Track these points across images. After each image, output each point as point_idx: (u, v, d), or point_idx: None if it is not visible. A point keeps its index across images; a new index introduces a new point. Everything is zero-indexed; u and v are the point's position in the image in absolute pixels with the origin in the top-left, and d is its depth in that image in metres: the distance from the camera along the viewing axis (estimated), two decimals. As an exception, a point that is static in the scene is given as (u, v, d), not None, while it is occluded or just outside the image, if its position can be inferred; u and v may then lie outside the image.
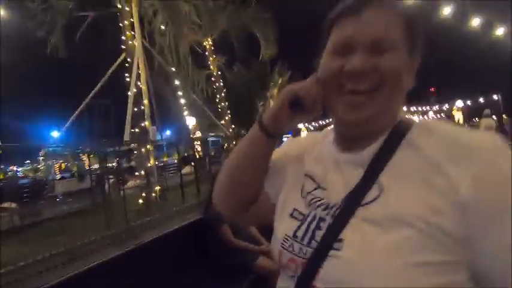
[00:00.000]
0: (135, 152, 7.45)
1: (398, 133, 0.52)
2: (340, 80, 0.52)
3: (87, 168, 18.54)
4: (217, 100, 9.65)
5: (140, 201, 6.95)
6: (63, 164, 19.76)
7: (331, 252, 0.49)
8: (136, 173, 7.55)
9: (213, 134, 18.22)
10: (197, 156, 13.46)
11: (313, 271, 0.51)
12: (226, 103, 9.67)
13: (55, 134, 21.44)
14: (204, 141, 16.37)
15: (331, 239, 0.50)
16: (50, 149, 20.65)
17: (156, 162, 8.52)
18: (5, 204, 6.73)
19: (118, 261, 1.69)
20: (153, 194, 7.07)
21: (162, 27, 7.84)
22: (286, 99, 0.58)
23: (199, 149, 16.61)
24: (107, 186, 9.39)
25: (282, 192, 0.65)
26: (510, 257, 0.43)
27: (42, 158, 21.21)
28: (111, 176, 10.45)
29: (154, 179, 7.24)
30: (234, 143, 10.28)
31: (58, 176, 16.09)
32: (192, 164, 12.37)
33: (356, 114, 0.52)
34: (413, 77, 0.54)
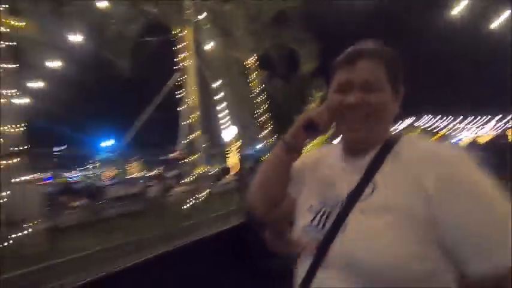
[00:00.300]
0: (184, 160, 8.21)
1: (388, 146, 0.70)
2: (342, 110, 0.70)
3: (135, 175, 20.19)
4: (259, 114, 10.22)
5: (186, 205, 7.60)
6: (113, 171, 21.79)
7: (339, 234, 0.66)
8: (183, 180, 8.29)
9: (250, 147, 18.91)
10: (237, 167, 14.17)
11: (325, 248, 0.67)
12: (268, 115, 10.21)
13: (107, 143, 23.89)
14: (242, 153, 17.10)
15: (338, 224, 0.67)
16: (102, 157, 22.96)
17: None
18: (76, 203, 7.85)
19: (166, 257, 1.90)
20: (199, 200, 7.69)
21: (208, 47, 8.75)
22: (301, 123, 0.78)
23: (236, 160, 17.38)
24: (154, 191, 10.31)
25: (302, 193, 0.82)
26: (464, 230, 0.59)
27: (95, 165, 23.63)
28: (156, 182, 11.44)
29: (200, 186, 7.89)
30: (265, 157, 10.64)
31: (109, 182, 17.75)
32: (232, 174, 13.04)
33: (356, 135, 0.71)
34: (399, 104, 0.73)
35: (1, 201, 4.69)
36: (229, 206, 7.04)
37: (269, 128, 10.33)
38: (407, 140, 0.72)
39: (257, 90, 10.07)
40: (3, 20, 5.06)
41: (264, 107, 10.28)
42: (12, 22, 5.13)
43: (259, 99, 10.09)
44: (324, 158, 0.83)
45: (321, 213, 0.73)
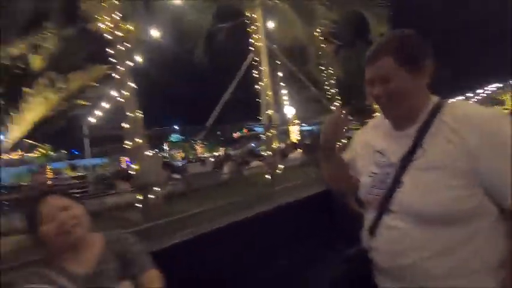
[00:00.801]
0: (262, 136, 9.05)
1: (433, 113, 0.88)
2: (374, 99, 0.93)
3: (203, 155, 22.21)
4: (327, 87, 10.46)
5: (266, 176, 8.52)
6: (183, 152, 24.42)
7: (397, 190, 0.88)
8: (262, 154, 9.21)
9: (315, 122, 19.16)
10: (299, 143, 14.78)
11: (387, 202, 0.89)
12: (337, 87, 10.37)
13: (178, 126, 26.68)
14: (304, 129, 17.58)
15: (396, 182, 0.88)
16: (173, 140, 25.76)
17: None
18: (176, 176, 9.48)
19: (250, 221, 2.13)
20: (276, 171, 8.53)
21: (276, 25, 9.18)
22: (322, 153, 1.04)
23: (296, 137, 17.98)
24: (231, 167, 11.55)
25: (359, 167, 1.05)
26: (501, 175, 0.78)
27: (167, 147, 26.68)
28: (233, 159, 12.73)
29: (273, 161, 8.69)
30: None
31: (182, 161, 20.01)
32: (299, 150, 13.71)
33: (391, 115, 0.94)
34: (426, 76, 0.89)
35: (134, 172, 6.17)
36: (300, 178, 7.71)
37: (339, 100, 10.53)
38: (452, 106, 0.88)
39: (325, 63, 10.26)
40: (119, 24, 6.30)
41: (333, 79, 10.44)
42: (126, 26, 6.35)
43: (327, 72, 10.30)
44: (376, 129, 1.04)
45: (380, 174, 0.93)
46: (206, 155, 22.65)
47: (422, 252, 0.83)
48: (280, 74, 11.38)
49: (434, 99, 0.91)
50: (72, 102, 6.40)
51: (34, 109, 4.72)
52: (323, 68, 10.21)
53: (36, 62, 4.75)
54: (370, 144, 1.02)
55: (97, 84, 6.22)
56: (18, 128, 4.70)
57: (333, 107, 10.12)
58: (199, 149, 24.50)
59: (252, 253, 2.05)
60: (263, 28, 8.55)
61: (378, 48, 0.91)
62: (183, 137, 24.89)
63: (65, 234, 1.06)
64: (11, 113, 4.49)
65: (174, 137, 25.62)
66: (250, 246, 2.06)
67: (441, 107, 0.88)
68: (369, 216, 0.97)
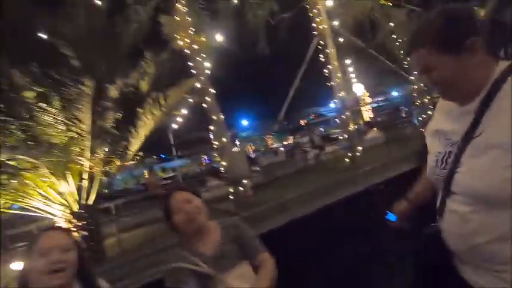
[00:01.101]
0: (335, 120, 9.00)
1: (496, 84, 0.82)
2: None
3: (274, 146, 22.90)
4: (403, 56, 9.70)
5: (346, 159, 8.48)
6: (254, 145, 25.61)
7: (457, 170, 0.86)
8: (336, 137, 9.16)
9: (381, 99, 17.86)
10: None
11: (449, 182, 0.89)
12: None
13: (245, 122, 28.10)
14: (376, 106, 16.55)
15: (456, 162, 0.87)
16: (244, 135, 27.18)
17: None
18: (256, 168, 10.24)
19: (331, 208, 2.20)
20: (356, 154, 8.40)
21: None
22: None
23: (369, 115, 17.04)
24: (309, 155, 11.76)
25: (430, 145, 1.03)
26: None
27: (239, 142, 28.33)
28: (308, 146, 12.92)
29: (354, 141, 8.56)
30: (420, 101, 10.06)
31: (254, 154, 21.00)
32: (375, 128, 13.07)
33: (443, 98, 0.96)
34: (475, 51, 0.82)
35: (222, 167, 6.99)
36: (381, 159, 7.41)
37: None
38: None
39: (398, 31, 9.51)
40: (194, 38, 7.08)
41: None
42: (200, 38, 7.10)
43: (402, 40, 9.53)
44: (443, 108, 1.01)
45: (443, 154, 0.93)
46: (276, 145, 23.28)
47: (487, 235, 0.81)
48: (347, 52, 10.97)
49: (502, 66, 0.84)
50: (170, 115, 7.54)
51: (146, 125, 5.85)
52: (396, 37, 9.47)
53: (144, 85, 5.85)
54: (437, 125, 1.00)
55: (188, 96, 7.19)
56: (135, 141, 5.89)
57: (412, 77, 9.32)
58: (269, 140, 25.31)
59: (334, 240, 2.12)
60: (324, 10, 8.40)
61: (415, 37, 0.88)
62: (252, 131, 26.09)
63: (190, 222, 1.28)
64: (130, 130, 5.69)
65: (245, 132, 27.04)
66: (331, 233, 2.14)
67: (507, 75, 0.82)
68: (438, 197, 0.98)
